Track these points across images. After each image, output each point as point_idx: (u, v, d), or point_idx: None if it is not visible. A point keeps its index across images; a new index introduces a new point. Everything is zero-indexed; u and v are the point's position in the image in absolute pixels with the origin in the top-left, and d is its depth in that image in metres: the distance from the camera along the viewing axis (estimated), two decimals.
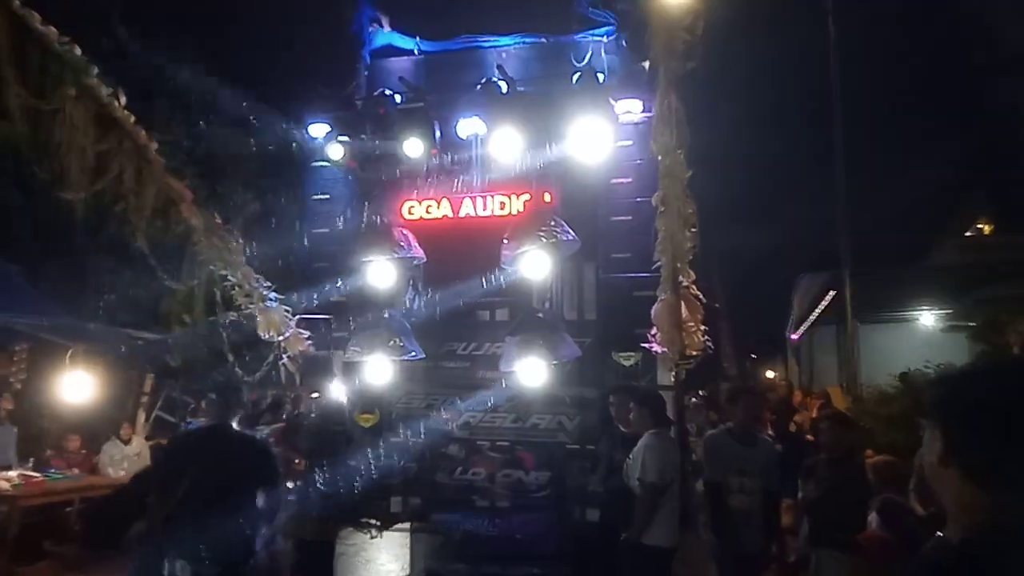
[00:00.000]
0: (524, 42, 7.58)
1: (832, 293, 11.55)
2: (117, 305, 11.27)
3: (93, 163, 4.86)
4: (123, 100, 4.80)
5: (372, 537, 7.81)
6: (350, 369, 7.55)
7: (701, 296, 5.99)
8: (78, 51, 4.33)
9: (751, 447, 5.09)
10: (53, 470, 8.16)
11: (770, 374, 21.85)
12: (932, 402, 1.23)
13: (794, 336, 14.90)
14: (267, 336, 6.90)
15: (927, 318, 12.45)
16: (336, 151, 7.42)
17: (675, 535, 4.94)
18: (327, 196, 7.90)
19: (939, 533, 3.30)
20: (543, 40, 7.84)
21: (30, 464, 8.11)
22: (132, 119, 5.01)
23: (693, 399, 8.85)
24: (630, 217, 6.87)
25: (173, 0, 13.34)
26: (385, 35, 8.25)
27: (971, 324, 11.75)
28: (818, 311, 13.01)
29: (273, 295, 6.90)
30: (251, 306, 6.78)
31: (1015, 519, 1.10)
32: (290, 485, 6.15)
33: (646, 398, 5.38)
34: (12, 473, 7.48)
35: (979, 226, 19.17)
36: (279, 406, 11.27)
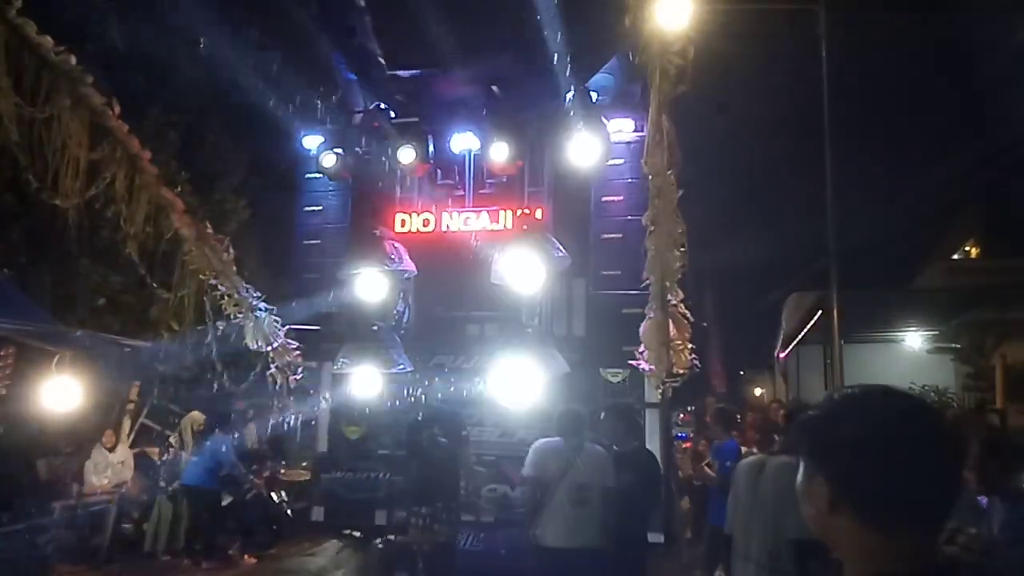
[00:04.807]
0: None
1: (820, 313, 11.63)
2: (106, 312, 11.21)
3: (86, 171, 4.87)
4: (117, 109, 4.82)
5: (356, 549, 7.80)
6: (339, 381, 7.56)
7: (689, 315, 6.05)
8: (73, 60, 4.35)
9: None
10: None
11: (758, 391, 21.95)
12: (810, 445, 1.13)
13: (782, 355, 14.96)
14: (256, 346, 6.91)
15: (913, 339, 12.54)
16: (329, 163, 7.44)
17: (564, 536, 4.68)
18: (319, 208, 7.92)
19: None
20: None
21: None
22: (126, 128, 5.03)
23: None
24: (620, 235, 6.92)
25: (168, 6, 13.35)
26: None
27: (956, 346, 11.85)
28: (806, 330, 13.09)
29: (263, 305, 6.91)
30: (240, 315, 6.79)
31: (925, 563, 1.03)
32: None
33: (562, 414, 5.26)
34: None
35: (966, 249, 19.35)
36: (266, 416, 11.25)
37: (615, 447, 5.22)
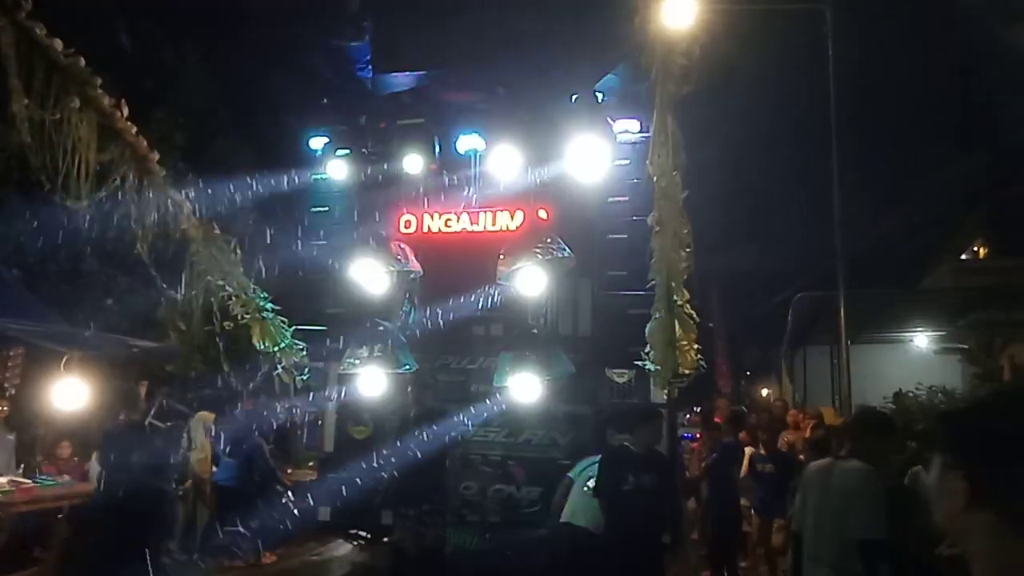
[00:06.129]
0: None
1: (827, 313, 11.60)
2: (113, 312, 11.28)
3: (95, 172, 4.90)
4: (126, 111, 4.84)
5: (361, 550, 7.82)
6: (345, 381, 7.58)
7: (695, 316, 6.04)
8: (82, 62, 4.38)
9: None
10: (44, 476, 8.13)
11: (764, 392, 21.88)
12: (952, 440, 1.10)
13: (788, 355, 14.93)
14: (262, 347, 6.93)
15: (921, 340, 12.50)
16: (336, 164, 7.46)
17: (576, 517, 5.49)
18: (325, 209, 7.94)
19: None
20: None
21: (20, 470, 8.08)
22: (134, 130, 5.06)
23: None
24: (626, 236, 6.93)
25: (177, 10, 13.42)
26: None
27: (964, 347, 11.81)
28: (812, 331, 13.05)
29: (270, 305, 6.93)
30: (247, 316, 6.80)
31: None
32: None
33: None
34: (2, 479, 7.46)
35: (974, 249, 19.27)
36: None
37: (633, 448, 5.29)
